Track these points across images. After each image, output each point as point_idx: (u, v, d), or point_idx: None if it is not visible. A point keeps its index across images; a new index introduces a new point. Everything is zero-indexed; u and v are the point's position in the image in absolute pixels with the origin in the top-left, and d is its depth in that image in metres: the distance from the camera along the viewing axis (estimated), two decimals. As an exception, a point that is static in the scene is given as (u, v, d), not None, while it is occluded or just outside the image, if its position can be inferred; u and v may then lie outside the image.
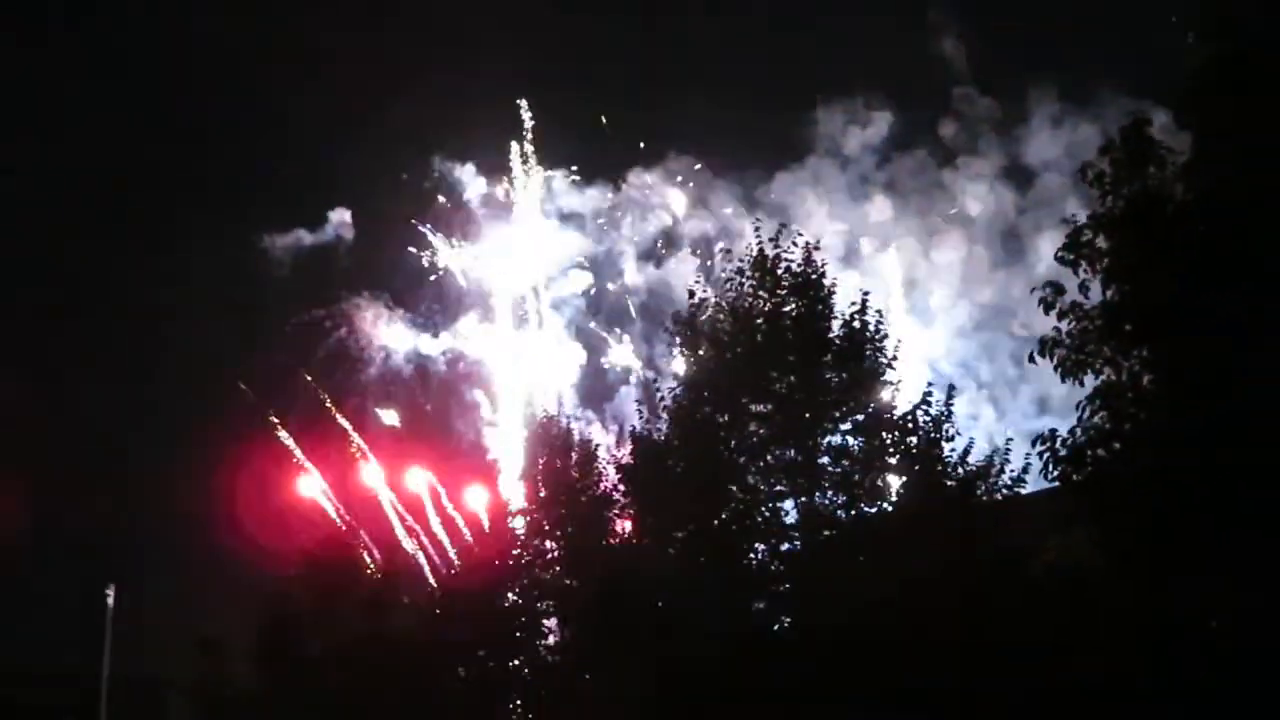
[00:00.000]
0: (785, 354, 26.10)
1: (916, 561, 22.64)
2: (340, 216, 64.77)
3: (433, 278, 64.38)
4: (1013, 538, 23.59)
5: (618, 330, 63.60)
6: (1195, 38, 16.54)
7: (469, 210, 65.03)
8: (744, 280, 26.81)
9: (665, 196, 64.73)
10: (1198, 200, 16.27)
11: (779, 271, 26.62)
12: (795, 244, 26.90)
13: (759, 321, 26.46)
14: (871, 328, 26.34)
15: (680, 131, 65.37)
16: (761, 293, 26.63)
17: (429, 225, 64.49)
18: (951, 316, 60.43)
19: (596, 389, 62.62)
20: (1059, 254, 16.92)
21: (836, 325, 26.36)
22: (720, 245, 27.87)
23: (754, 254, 26.87)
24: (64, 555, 58.58)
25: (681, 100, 64.69)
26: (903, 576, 22.54)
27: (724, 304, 27.01)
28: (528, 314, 64.20)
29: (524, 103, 63.87)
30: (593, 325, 63.65)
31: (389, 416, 62.95)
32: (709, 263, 26.85)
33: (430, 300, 64.47)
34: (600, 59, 65.04)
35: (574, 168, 64.34)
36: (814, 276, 26.64)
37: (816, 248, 27.11)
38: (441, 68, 63.22)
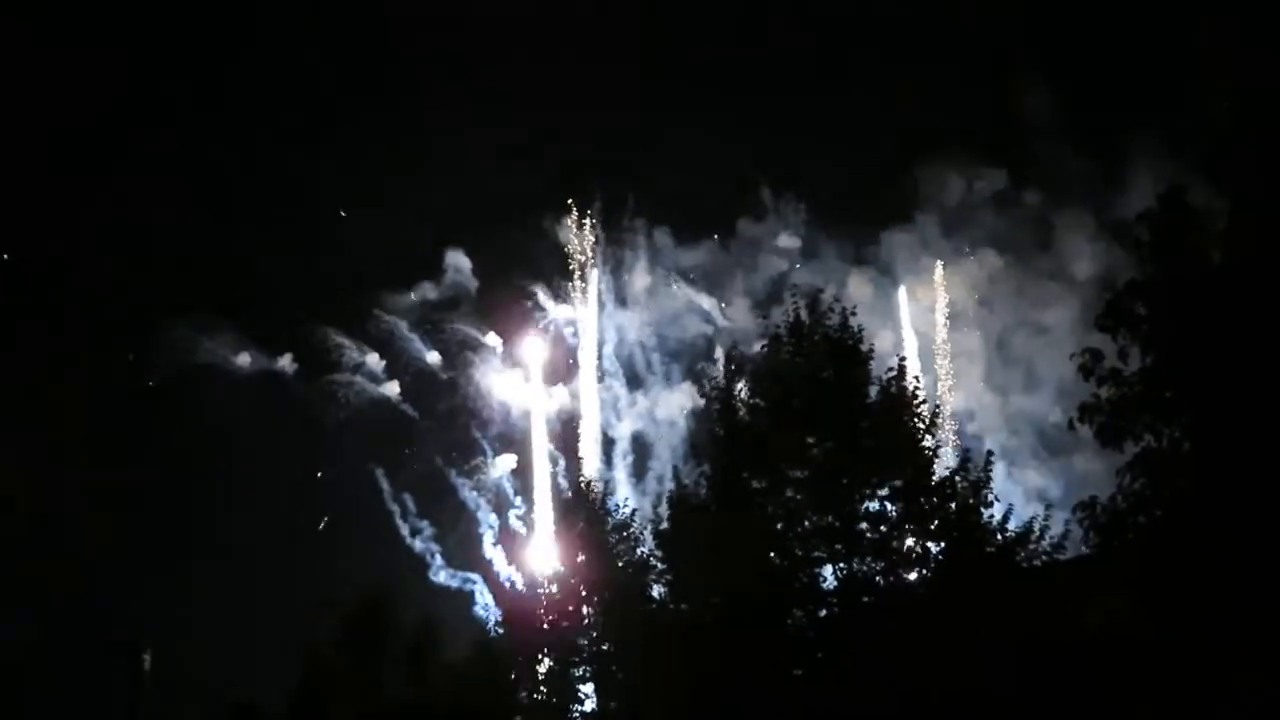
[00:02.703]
0: (823, 419, 26.13)
1: (955, 627, 22.57)
2: (456, 260, 65.75)
3: (545, 332, 65.58)
4: (1054, 603, 23.42)
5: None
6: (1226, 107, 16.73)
7: (580, 268, 66.24)
8: (781, 345, 26.90)
9: (776, 243, 65.50)
10: (1235, 267, 16.33)
11: (816, 337, 26.72)
12: (833, 309, 27.01)
13: (796, 387, 26.51)
14: (909, 392, 26.37)
15: (788, 185, 66.34)
16: (798, 358, 26.72)
17: (542, 284, 65.84)
18: (1057, 375, 60.36)
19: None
20: (1098, 320, 16.95)
21: (874, 390, 26.40)
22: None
23: (791, 319, 26.98)
24: (94, 615, 58.61)
25: (788, 157, 65.82)
26: (941, 642, 22.48)
27: (762, 368, 27.08)
28: (639, 367, 65.17)
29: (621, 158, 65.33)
30: (708, 375, 64.12)
31: (505, 464, 63.82)
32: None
33: (548, 356, 65.60)
34: (701, 118, 66.03)
35: (684, 219, 65.56)
36: (851, 342, 26.72)
37: (853, 313, 27.21)
38: (549, 122, 64.48)
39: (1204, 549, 15.81)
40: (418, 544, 62.82)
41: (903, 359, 26.93)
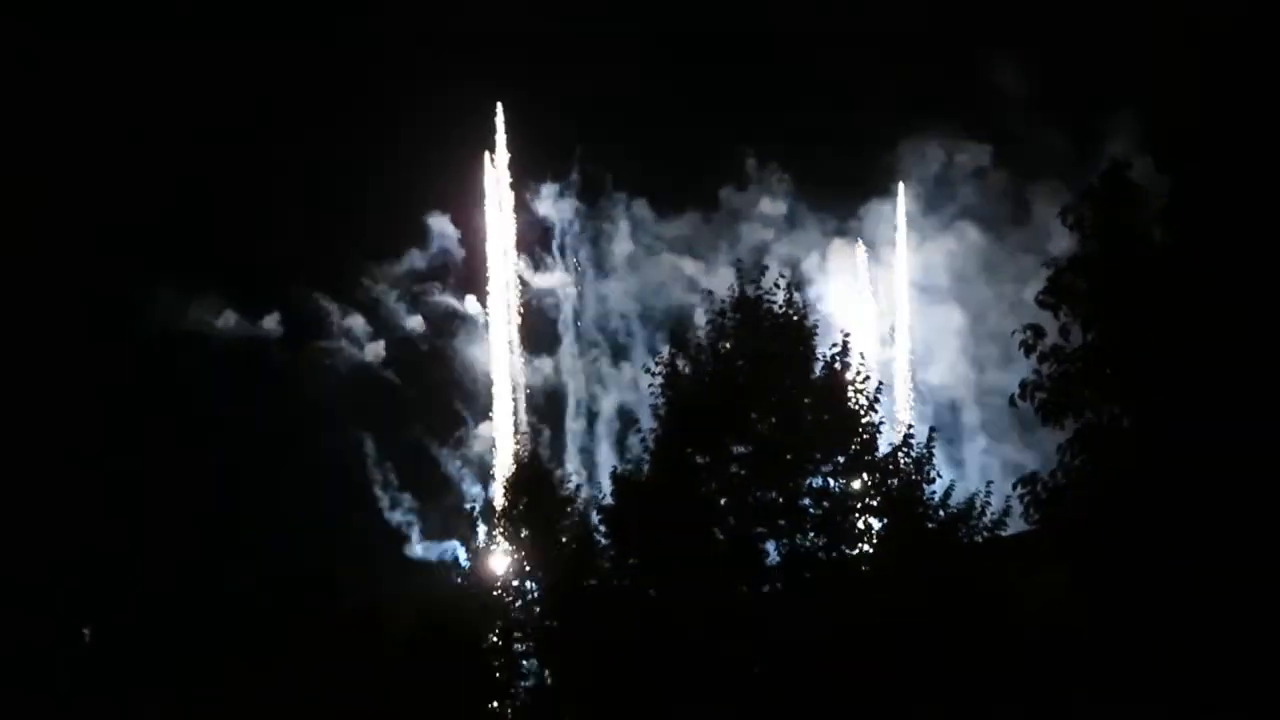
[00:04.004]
0: (766, 395, 26.08)
1: (897, 603, 22.65)
2: (441, 226, 65.24)
3: (528, 304, 65.42)
4: (994, 579, 23.57)
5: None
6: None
7: (562, 238, 66.11)
8: (726, 321, 26.79)
9: (758, 214, 65.38)
10: (1176, 244, 16.39)
11: (760, 312, 26.63)
12: (778, 285, 26.93)
13: (740, 363, 26.44)
14: (853, 369, 26.35)
15: (771, 154, 66.19)
16: (742, 333, 26.62)
17: (523, 254, 65.62)
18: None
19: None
20: (1039, 296, 16.97)
21: (818, 367, 26.37)
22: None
23: (736, 295, 26.86)
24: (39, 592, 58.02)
25: (770, 128, 65.79)
26: (883, 618, 22.56)
27: (706, 345, 26.96)
28: (622, 338, 65.04)
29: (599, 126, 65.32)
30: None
31: (487, 434, 63.55)
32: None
33: (528, 327, 65.44)
34: (683, 89, 66.14)
35: (665, 190, 65.49)
36: (795, 318, 26.67)
37: (798, 288, 27.16)
38: (530, 94, 64.22)
39: (1142, 524, 15.91)
40: (397, 515, 62.63)
41: (847, 335, 26.88)
